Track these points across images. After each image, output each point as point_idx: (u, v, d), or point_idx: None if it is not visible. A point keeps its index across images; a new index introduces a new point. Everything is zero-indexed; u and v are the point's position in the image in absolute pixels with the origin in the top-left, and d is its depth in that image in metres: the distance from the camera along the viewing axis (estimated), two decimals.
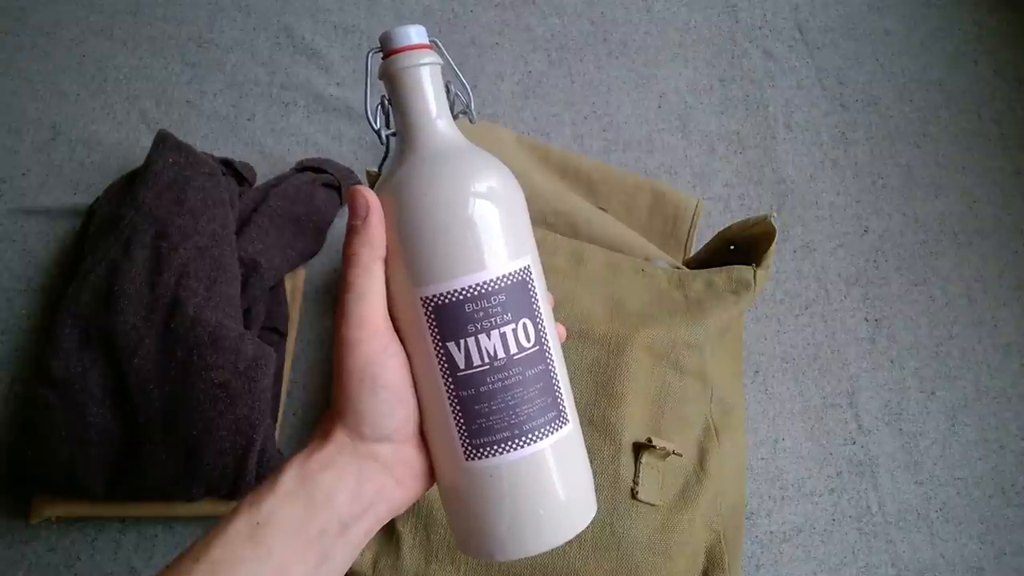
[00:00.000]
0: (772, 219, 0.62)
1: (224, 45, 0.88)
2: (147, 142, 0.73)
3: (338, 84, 0.87)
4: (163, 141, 0.71)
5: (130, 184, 0.71)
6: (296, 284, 0.75)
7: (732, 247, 0.68)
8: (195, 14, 0.90)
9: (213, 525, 0.31)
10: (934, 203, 0.87)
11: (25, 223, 0.78)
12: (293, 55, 0.88)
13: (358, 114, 0.85)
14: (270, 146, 0.83)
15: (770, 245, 0.64)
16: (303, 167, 0.78)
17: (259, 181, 0.79)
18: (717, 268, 0.67)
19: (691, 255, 0.76)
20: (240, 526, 0.31)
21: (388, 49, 0.36)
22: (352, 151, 0.84)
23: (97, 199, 0.74)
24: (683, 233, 0.79)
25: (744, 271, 0.65)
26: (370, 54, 0.37)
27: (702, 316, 0.64)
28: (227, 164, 0.76)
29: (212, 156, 0.75)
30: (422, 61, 0.35)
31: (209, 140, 0.83)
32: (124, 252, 0.64)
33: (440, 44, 0.37)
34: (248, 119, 0.84)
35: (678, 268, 0.69)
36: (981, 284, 0.83)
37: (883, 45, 0.96)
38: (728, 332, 0.69)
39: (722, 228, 0.68)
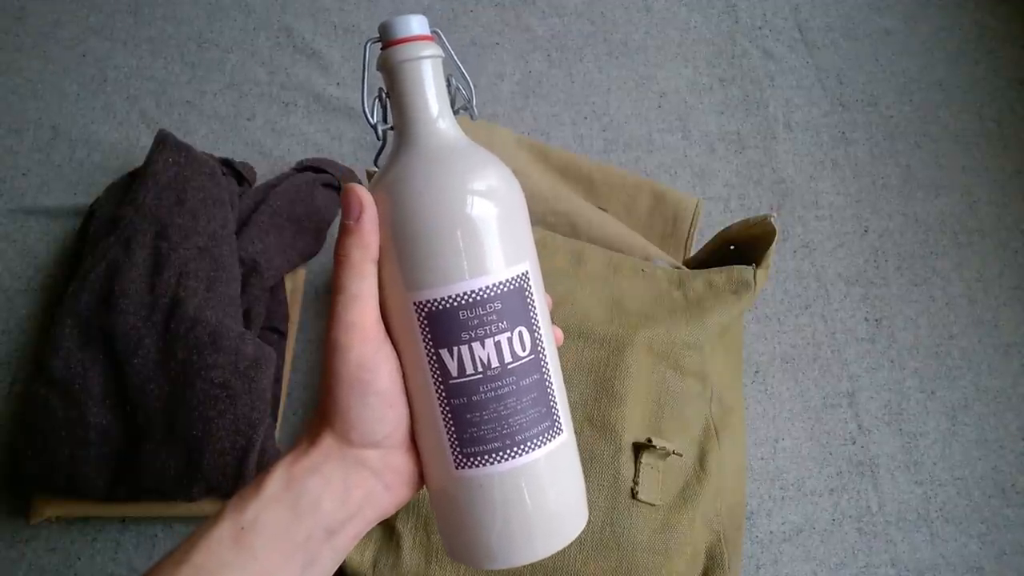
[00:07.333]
0: (772, 219, 0.62)
1: (224, 45, 0.88)
2: (147, 142, 0.73)
3: (338, 84, 0.87)
4: (163, 141, 0.71)
5: (130, 184, 0.71)
6: (296, 284, 0.75)
7: (732, 247, 0.68)
8: (195, 14, 0.90)
9: (196, 528, 0.31)
10: (934, 203, 0.87)
11: (25, 223, 0.78)
12: (293, 55, 0.88)
13: (358, 114, 0.85)
14: (270, 146, 0.83)
15: (770, 245, 0.64)
16: (303, 167, 0.78)
17: (259, 181, 0.79)
18: (717, 268, 0.67)
19: (691, 255, 0.76)
20: (224, 530, 0.30)
21: (388, 39, 0.34)
22: (352, 151, 0.84)
23: (97, 199, 0.74)
24: (683, 233, 0.78)
25: (744, 271, 0.65)
26: (368, 44, 0.35)
27: (702, 316, 0.64)
28: (227, 164, 0.76)
29: (212, 156, 0.75)
30: (423, 54, 0.33)
31: (209, 140, 0.83)
32: (124, 252, 0.64)
33: (442, 35, 0.36)
34: (248, 119, 0.84)
35: (678, 268, 0.69)
36: (981, 284, 0.83)
37: (883, 45, 0.96)
38: (728, 332, 0.69)
39: (722, 228, 0.68)
